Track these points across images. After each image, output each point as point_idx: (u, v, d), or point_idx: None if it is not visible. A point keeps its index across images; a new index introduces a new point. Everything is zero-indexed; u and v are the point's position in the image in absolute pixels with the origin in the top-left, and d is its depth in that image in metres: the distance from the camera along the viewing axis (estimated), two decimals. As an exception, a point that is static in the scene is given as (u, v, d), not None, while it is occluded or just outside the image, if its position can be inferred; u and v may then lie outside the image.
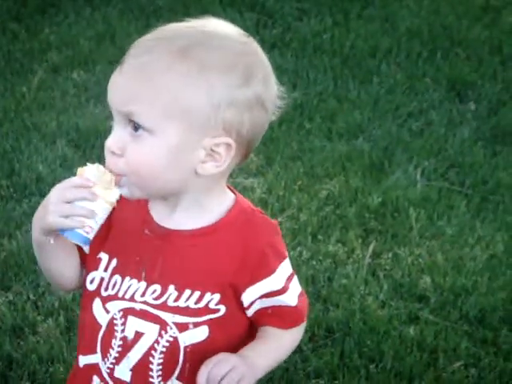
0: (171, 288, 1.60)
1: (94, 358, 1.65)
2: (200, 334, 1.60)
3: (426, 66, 4.35)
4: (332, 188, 3.45)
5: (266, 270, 1.60)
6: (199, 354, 1.59)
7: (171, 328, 1.60)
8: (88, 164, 1.54)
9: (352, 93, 4.09)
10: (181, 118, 1.50)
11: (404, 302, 2.92)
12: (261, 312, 1.64)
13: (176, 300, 1.59)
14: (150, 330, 1.61)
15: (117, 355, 1.63)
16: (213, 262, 1.60)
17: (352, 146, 3.73)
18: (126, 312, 1.62)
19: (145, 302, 1.61)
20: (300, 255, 3.07)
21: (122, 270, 1.63)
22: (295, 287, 1.65)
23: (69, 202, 1.51)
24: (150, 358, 1.61)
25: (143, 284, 1.61)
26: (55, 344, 2.65)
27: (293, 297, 1.65)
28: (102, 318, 1.64)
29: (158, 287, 1.60)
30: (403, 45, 4.49)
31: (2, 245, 3.06)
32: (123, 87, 1.52)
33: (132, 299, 1.62)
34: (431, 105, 4.05)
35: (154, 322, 1.60)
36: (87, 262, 1.66)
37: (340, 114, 3.93)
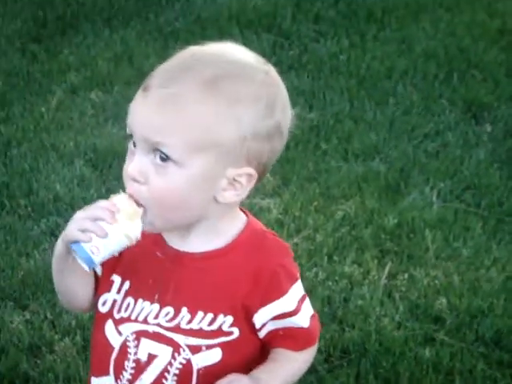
0: (184, 310, 1.60)
1: (107, 380, 1.66)
2: (213, 357, 1.61)
3: (443, 87, 4.35)
4: (348, 209, 3.45)
5: (278, 292, 1.61)
6: (212, 377, 1.59)
7: (184, 350, 1.60)
8: (121, 193, 1.56)
9: (368, 114, 4.10)
10: (210, 151, 1.52)
11: (420, 323, 2.91)
12: (273, 333, 1.64)
13: (189, 322, 1.60)
14: (163, 353, 1.61)
15: (130, 377, 1.63)
16: (225, 284, 1.60)
17: (368, 167, 3.73)
18: (139, 334, 1.62)
19: (158, 325, 1.61)
20: (316, 276, 3.07)
21: (134, 293, 1.64)
22: (307, 309, 1.65)
23: (91, 221, 1.53)
24: (163, 381, 1.62)
25: (156, 306, 1.62)
26: (72, 363, 2.66)
27: (305, 318, 1.65)
28: (115, 340, 1.64)
29: (171, 309, 1.61)
30: (419, 66, 4.50)
31: (20, 264, 3.08)
32: (151, 116, 1.52)
33: (145, 321, 1.62)
34: (447, 126, 4.06)
35: (167, 345, 1.61)
36: (100, 284, 1.67)
37: (356, 134, 3.94)
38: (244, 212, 1.66)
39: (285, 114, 1.58)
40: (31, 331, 2.79)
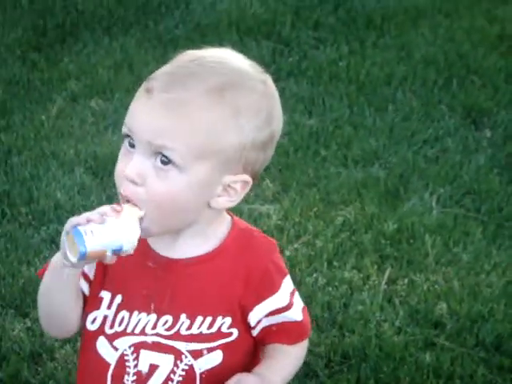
0: (183, 317, 1.61)
1: None
2: (214, 359, 1.62)
3: (442, 93, 4.36)
4: (348, 215, 3.46)
5: (272, 288, 1.63)
6: (214, 378, 1.61)
7: (186, 356, 1.61)
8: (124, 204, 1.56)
9: (368, 120, 4.11)
10: (211, 157, 1.53)
11: (420, 328, 2.92)
12: (266, 330, 1.65)
13: (189, 328, 1.61)
14: (165, 361, 1.62)
15: None
16: (219, 286, 1.62)
17: (368, 172, 3.74)
18: (138, 346, 1.63)
19: (157, 334, 1.62)
20: (316, 281, 3.08)
21: (128, 306, 1.63)
22: (298, 302, 1.68)
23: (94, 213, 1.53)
24: None
25: (153, 316, 1.62)
26: (73, 370, 2.66)
27: (297, 312, 1.68)
28: (111, 356, 1.64)
29: (169, 318, 1.62)
30: (419, 72, 4.51)
31: (21, 272, 3.08)
32: (155, 119, 1.52)
33: (143, 333, 1.62)
34: (447, 132, 4.06)
35: (168, 353, 1.62)
36: (88, 303, 1.66)
37: (356, 141, 3.95)
38: (228, 212, 1.67)
39: (279, 124, 1.62)
40: (32, 339, 2.79)
